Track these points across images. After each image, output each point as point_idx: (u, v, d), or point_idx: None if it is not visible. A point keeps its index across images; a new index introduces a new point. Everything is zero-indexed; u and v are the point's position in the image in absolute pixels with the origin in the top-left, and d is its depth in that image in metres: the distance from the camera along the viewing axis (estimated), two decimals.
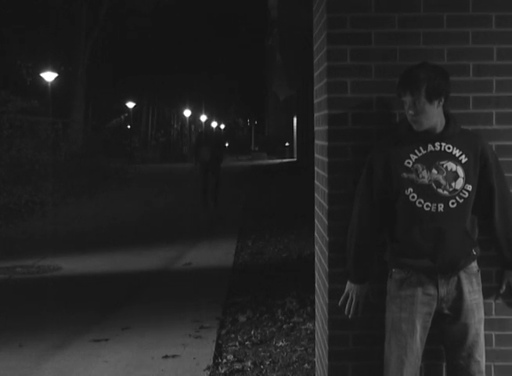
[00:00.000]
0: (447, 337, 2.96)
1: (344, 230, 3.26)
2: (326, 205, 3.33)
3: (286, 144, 48.06)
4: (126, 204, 15.73)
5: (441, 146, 2.88)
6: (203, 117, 57.35)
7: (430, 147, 2.88)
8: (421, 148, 2.88)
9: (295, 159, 39.20)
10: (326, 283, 3.32)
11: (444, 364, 3.20)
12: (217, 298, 6.52)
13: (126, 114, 43.27)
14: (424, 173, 2.87)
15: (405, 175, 2.89)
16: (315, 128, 3.85)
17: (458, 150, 2.88)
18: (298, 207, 13.64)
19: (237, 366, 4.64)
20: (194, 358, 4.82)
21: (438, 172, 2.86)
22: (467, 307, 2.90)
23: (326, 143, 3.32)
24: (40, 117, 24.07)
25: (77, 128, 28.65)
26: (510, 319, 3.22)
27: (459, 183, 2.86)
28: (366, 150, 3.22)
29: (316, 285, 3.91)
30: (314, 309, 4.34)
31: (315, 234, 3.88)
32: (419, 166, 2.88)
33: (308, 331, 5.36)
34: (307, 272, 7.04)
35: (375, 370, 3.17)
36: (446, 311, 2.92)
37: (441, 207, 2.85)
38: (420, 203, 2.87)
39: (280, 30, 18.38)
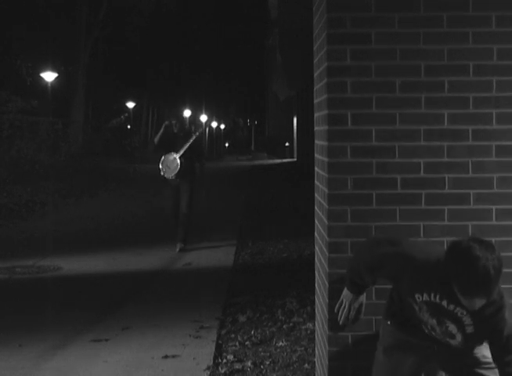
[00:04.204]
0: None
1: (344, 230, 3.27)
2: (326, 205, 3.33)
3: (286, 144, 48.04)
4: (126, 204, 15.72)
5: (455, 308, 2.65)
6: (204, 117, 57.36)
7: (444, 302, 2.66)
8: (438, 297, 2.67)
9: (295, 159, 39.19)
10: (326, 283, 3.32)
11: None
12: (217, 298, 6.51)
13: (126, 114, 43.25)
14: (427, 315, 2.74)
15: (410, 301, 2.77)
16: (315, 128, 3.85)
17: (470, 320, 2.65)
18: (298, 207, 13.63)
19: (237, 366, 4.64)
20: (194, 358, 4.82)
21: (438, 324, 2.73)
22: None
23: (326, 143, 3.32)
24: (40, 117, 24.08)
25: (77, 128, 28.67)
26: None
27: (453, 342, 2.75)
28: (366, 150, 3.22)
29: (316, 285, 3.91)
30: (314, 309, 4.34)
31: (315, 234, 3.88)
32: (424, 307, 2.72)
33: (308, 331, 5.36)
34: (307, 272, 7.04)
35: None
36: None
37: (434, 335, 2.80)
38: (418, 322, 2.82)
39: (280, 30, 18.37)
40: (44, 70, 23.96)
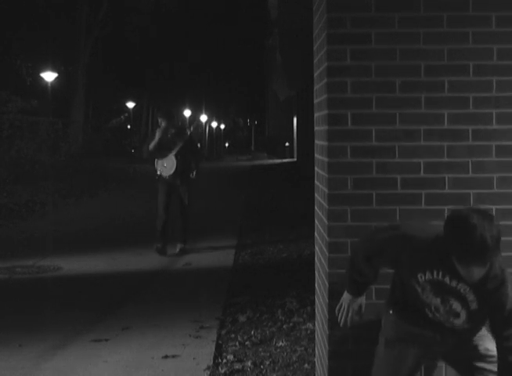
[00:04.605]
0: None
1: (344, 230, 3.27)
2: (326, 205, 3.33)
3: (286, 144, 48.05)
4: (126, 204, 15.72)
5: (458, 284, 2.66)
6: (204, 117, 57.35)
7: (446, 279, 2.67)
8: (440, 273, 2.68)
9: (295, 159, 39.19)
10: (326, 283, 3.33)
11: (444, 364, 3.20)
12: (217, 298, 6.51)
13: (126, 114, 43.27)
14: (430, 295, 2.74)
15: (413, 283, 2.77)
16: (315, 128, 3.85)
17: (473, 296, 2.66)
18: (298, 208, 13.63)
19: (237, 366, 4.64)
20: (194, 358, 4.82)
21: (442, 303, 2.73)
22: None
23: (326, 143, 3.32)
24: (40, 117, 24.09)
25: (77, 128, 28.67)
26: None
27: (457, 322, 2.75)
28: (366, 150, 3.22)
29: (316, 285, 3.91)
30: (314, 309, 4.34)
31: (315, 234, 3.88)
32: (428, 286, 2.73)
33: (308, 331, 5.36)
34: (307, 272, 7.04)
35: None
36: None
37: (437, 318, 2.80)
38: (421, 305, 2.82)
39: (280, 30, 18.36)
40: (44, 70, 23.96)
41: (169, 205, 8.92)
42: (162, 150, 8.79)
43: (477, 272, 2.51)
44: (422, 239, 2.73)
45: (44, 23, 28.66)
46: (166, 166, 8.76)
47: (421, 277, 2.72)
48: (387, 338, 2.95)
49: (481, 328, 2.83)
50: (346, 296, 3.08)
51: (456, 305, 2.70)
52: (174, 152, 8.74)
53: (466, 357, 2.86)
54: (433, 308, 2.76)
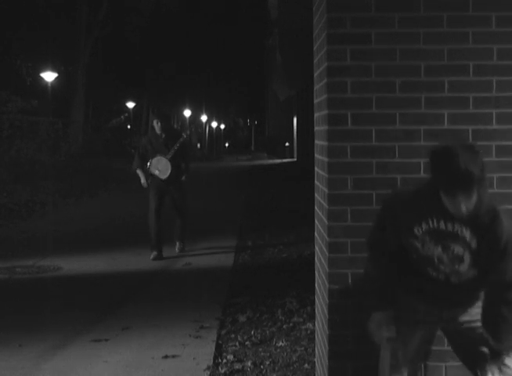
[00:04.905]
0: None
1: (343, 230, 3.26)
2: (326, 205, 3.33)
3: (286, 144, 48.06)
4: (126, 204, 15.72)
5: (453, 226, 2.69)
6: (204, 117, 57.36)
7: (442, 224, 2.71)
8: (434, 220, 2.71)
9: (295, 159, 39.20)
10: (326, 283, 3.32)
11: (444, 365, 3.20)
12: (217, 298, 6.51)
13: (126, 114, 43.26)
14: (431, 246, 2.75)
15: (411, 241, 2.78)
16: (315, 128, 3.85)
17: (470, 234, 2.69)
18: (298, 207, 13.63)
19: (237, 366, 4.64)
20: (194, 358, 4.82)
21: (443, 251, 2.74)
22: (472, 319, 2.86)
23: (326, 143, 3.32)
24: (40, 117, 24.08)
25: (77, 128, 28.67)
26: None
27: (463, 268, 2.75)
28: (366, 150, 3.22)
29: (316, 285, 3.91)
30: (314, 309, 4.34)
31: (315, 234, 3.88)
32: (427, 238, 2.74)
33: (308, 331, 5.35)
34: (307, 272, 7.03)
35: (375, 370, 3.16)
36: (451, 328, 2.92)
37: (441, 276, 2.80)
38: (423, 268, 2.82)
39: (280, 30, 18.37)
40: (44, 70, 23.96)
41: (160, 212, 8.72)
42: (149, 155, 8.60)
43: (465, 204, 2.56)
44: (407, 191, 2.86)
45: (44, 23, 28.65)
46: (160, 170, 8.58)
47: (418, 231, 2.74)
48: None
49: (484, 282, 2.79)
50: (377, 317, 2.90)
51: (458, 249, 2.71)
52: (169, 156, 8.57)
53: (469, 340, 2.86)
54: (436, 260, 2.76)
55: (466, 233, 2.69)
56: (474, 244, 2.69)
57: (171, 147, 8.63)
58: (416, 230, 2.75)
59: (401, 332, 2.88)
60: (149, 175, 8.66)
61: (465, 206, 2.57)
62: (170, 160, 8.58)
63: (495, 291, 2.75)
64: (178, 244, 9.03)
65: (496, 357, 2.77)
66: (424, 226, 2.73)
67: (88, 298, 6.69)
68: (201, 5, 45.49)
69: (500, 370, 2.76)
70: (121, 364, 4.73)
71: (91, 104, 35.81)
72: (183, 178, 8.84)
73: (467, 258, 2.71)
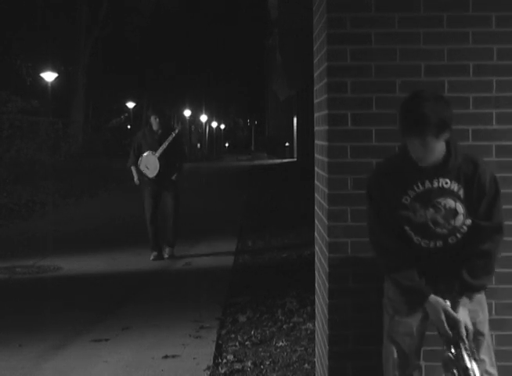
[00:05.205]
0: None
1: (343, 230, 3.26)
2: (326, 205, 3.33)
3: (286, 144, 48.06)
4: (126, 204, 15.72)
5: (438, 181, 2.73)
6: (204, 117, 57.34)
7: (427, 184, 2.74)
8: (419, 184, 2.74)
9: (295, 159, 39.21)
10: (326, 283, 3.33)
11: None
12: (217, 298, 6.51)
13: (126, 114, 43.25)
14: (422, 211, 2.75)
15: (402, 212, 2.78)
16: (315, 128, 3.85)
17: (456, 185, 2.73)
18: (298, 207, 13.63)
19: (237, 366, 4.64)
20: (194, 358, 4.82)
21: (436, 211, 2.74)
22: (470, 307, 2.83)
23: (326, 143, 3.32)
24: (40, 117, 24.08)
25: (77, 128, 28.67)
26: (510, 319, 3.22)
27: (458, 220, 2.75)
28: (366, 150, 3.22)
29: (316, 285, 3.91)
30: (314, 309, 4.34)
31: (315, 234, 3.88)
32: (416, 205, 2.75)
33: (308, 331, 5.36)
34: (307, 272, 7.03)
35: (375, 370, 3.16)
36: None
37: (439, 243, 2.79)
38: (417, 240, 2.81)
39: (280, 30, 18.38)
40: (44, 70, 23.95)
41: (156, 212, 8.56)
42: (142, 149, 8.44)
43: (423, 149, 2.62)
44: (387, 165, 2.87)
45: (44, 23, 28.65)
46: (149, 168, 8.36)
47: (406, 200, 2.76)
48: (390, 297, 2.94)
49: (477, 235, 2.78)
50: (434, 302, 2.76)
51: (449, 202, 2.73)
52: (157, 154, 8.32)
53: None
54: (431, 224, 2.75)
55: (453, 185, 2.73)
56: (462, 194, 2.74)
57: (162, 144, 8.41)
58: (404, 200, 2.77)
59: (402, 318, 2.86)
60: (141, 173, 8.47)
61: (424, 152, 2.63)
62: (159, 158, 8.32)
63: (481, 233, 2.76)
64: (167, 249, 8.67)
65: (468, 292, 2.76)
66: (411, 193, 2.76)
67: (88, 298, 6.69)
68: (201, 5, 45.49)
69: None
70: (121, 364, 4.73)
71: (91, 104, 35.80)
72: (173, 177, 8.49)
73: (460, 208, 2.74)
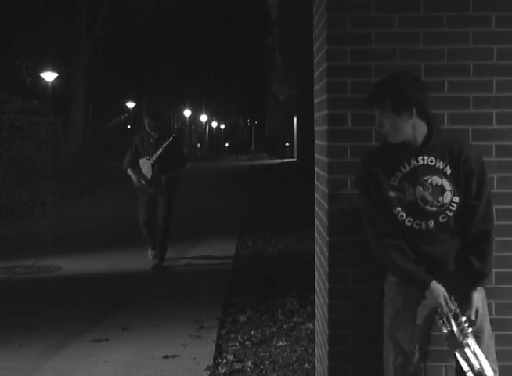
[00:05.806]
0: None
1: (343, 230, 3.26)
2: (326, 205, 3.33)
3: (286, 144, 48.07)
4: (126, 203, 15.71)
5: (424, 160, 2.78)
6: (204, 117, 57.35)
7: (413, 163, 2.79)
8: (406, 164, 2.80)
9: (295, 159, 39.21)
10: (326, 283, 3.32)
11: (444, 365, 3.20)
12: (217, 298, 6.51)
13: (126, 114, 43.25)
14: (411, 190, 2.78)
15: (392, 193, 2.81)
16: (315, 128, 3.85)
17: (442, 162, 2.78)
18: (298, 208, 13.63)
19: (237, 366, 4.64)
20: (194, 358, 4.82)
21: (424, 189, 2.77)
22: (471, 303, 2.82)
23: (326, 143, 3.32)
24: (40, 117, 24.08)
25: (77, 128, 28.67)
26: (510, 319, 3.22)
27: (446, 197, 2.78)
28: (366, 150, 3.22)
29: (316, 285, 3.91)
30: (314, 309, 4.34)
31: (315, 234, 3.88)
32: (405, 184, 2.79)
33: (308, 331, 5.36)
34: (307, 272, 7.03)
35: (375, 370, 3.16)
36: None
37: (431, 224, 2.80)
38: (409, 221, 2.80)
39: (280, 30, 18.39)
40: (44, 70, 23.95)
41: (150, 216, 8.12)
42: (140, 156, 8.07)
43: (388, 124, 2.75)
44: (370, 150, 2.99)
45: (44, 23, 28.64)
46: (144, 172, 8.03)
47: (395, 181, 2.81)
48: (390, 297, 2.93)
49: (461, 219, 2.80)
50: (435, 289, 2.76)
51: (435, 179, 2.78)
52: (151, 160, 7.95)
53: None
54: (420, 202, 2.78)
55: (438, 163, 2.78)
56: (448, 171, 2.78)
57: (157, 148, 8.01)
58: (392, 181, 2.81)
59: (403, 318, 2.86)
60: (139, 176, 8.09)
61: (389, 128, 2.74)
62: (153, 164, 7.97)
63: (477, 213, 2.79)
64: (153, 261, 8.12)
65: (481, 280, 2.81)
66: (399, 174, 2.80)
67: (88, 298, 6.69)
68: (201, 5, 45.49)
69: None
70: (121, 364, 4.73)
71: (91, 104, 35.80)
72: (162, 181, 7.97)
73: (447, 185, 2.78)
